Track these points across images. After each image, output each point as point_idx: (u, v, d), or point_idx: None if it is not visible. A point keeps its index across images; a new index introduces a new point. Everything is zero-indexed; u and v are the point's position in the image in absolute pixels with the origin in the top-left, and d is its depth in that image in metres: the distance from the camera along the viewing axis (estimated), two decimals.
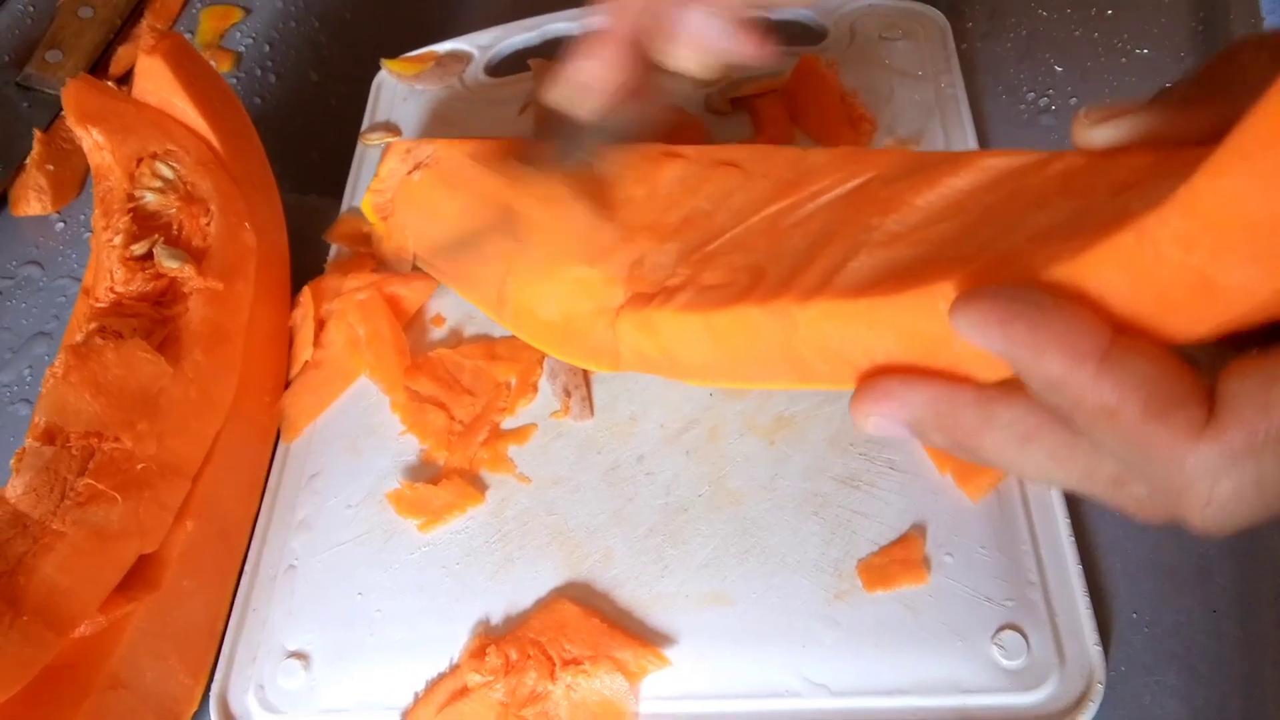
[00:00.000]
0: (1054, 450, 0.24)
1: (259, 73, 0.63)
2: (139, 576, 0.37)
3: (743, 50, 0.36)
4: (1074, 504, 0.37)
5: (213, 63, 0.63)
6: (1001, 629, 0.34)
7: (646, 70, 0.37)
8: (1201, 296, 0.21)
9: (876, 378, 0.27)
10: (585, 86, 0.37)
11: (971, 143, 0.47)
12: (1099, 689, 0.33)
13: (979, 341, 0.23)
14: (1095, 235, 0.22)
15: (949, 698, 0.33)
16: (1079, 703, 0.33)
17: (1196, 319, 0.21)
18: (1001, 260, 0.25)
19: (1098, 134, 0.26)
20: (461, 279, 0.42)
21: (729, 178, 0.37)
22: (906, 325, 0.27)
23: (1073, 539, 0.36)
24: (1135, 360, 0.21)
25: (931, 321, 0.26)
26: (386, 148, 0.45)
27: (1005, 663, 0.34)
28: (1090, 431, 0.23)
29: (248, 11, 0.65)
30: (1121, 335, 0.22)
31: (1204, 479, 0.21)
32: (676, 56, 0.37)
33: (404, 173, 0.44)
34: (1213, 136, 0.21)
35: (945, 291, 0.25)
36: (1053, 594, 0.35)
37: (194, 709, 0.38)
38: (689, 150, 0.39)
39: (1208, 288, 0.21)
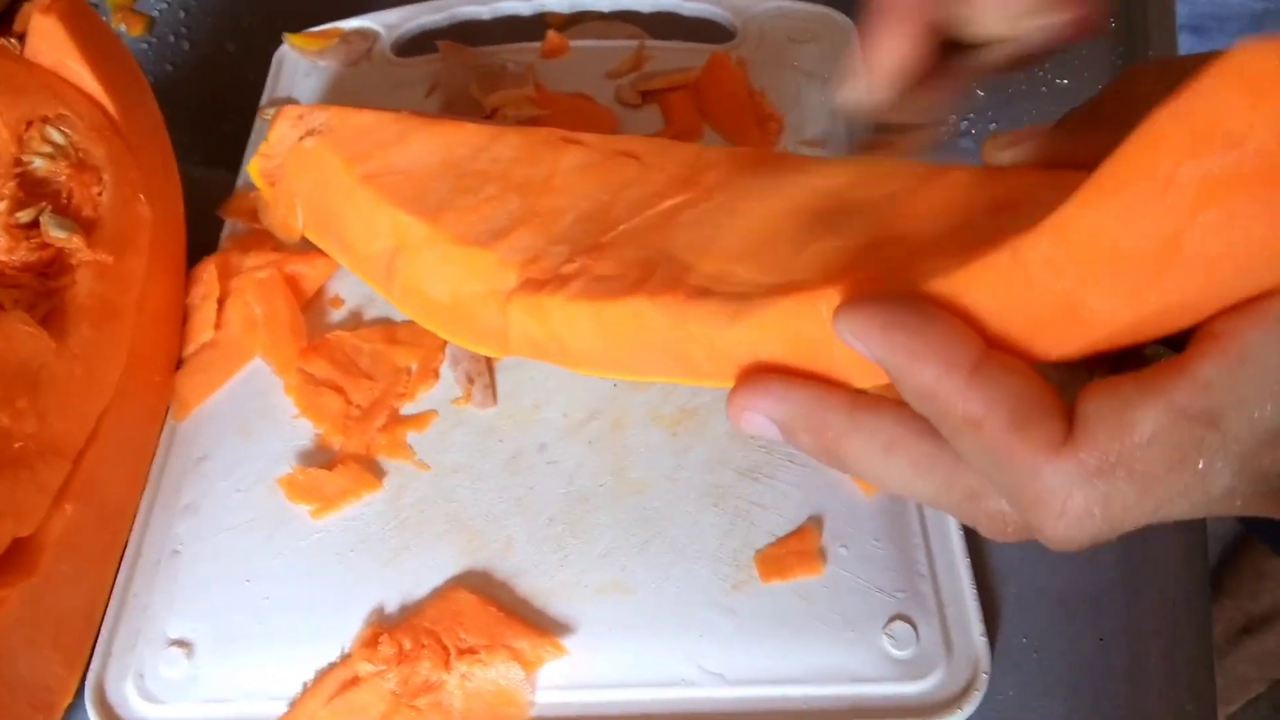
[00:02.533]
0: (916, 460, 0.25)
1: (172, 39, 0.60)
2: (13, 561, 0.35)
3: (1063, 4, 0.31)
4: (970, 532, 0.37)
5: (123, 26, 0.60)
6: (892, 619, 0.35)
7: (942, 46, 0.32)
8: (1066, 319, 0.22)
9: (756, 375, 0.28)
10: (876, 72, 0.32)
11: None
12: (984, 679, 0.34)
13: (859, 347, 0.24)
14: (973, 252, 0.23)
15: (841, 686, 0.34)
16: (965, 692, 0.34)
17: (1061, 340, 0.23)
18: (884, 270, 0.26)
19: (1003, 156, 0.27)
20: (350, 252, 0.41)
21: (627, 169, 0.37)
22: (791, 328, 0.27)
23: (961, 534, 0.37)
24: (1003, 374, 0.22)
25: (814, 325, 0.27)
26: (277, 112, 0.43)
27: (895, 652, 0.35)
28: (956, 440, 0.23)
29: None
30: (992, 350, 0.23)
31: (1058, 492, 0.22)
32: (981, 20, 0.31)
33: (295, 139, 0.42)
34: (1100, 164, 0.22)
35: (829, 297, 0.26)
36: (942, 586, 0.36)
37: (69, 700, 0.36)
38: (589, 138, 0.38)
39: (1072, 311, 0.22)
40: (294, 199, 0.43)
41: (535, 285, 0.34)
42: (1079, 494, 0.21)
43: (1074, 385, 0.23)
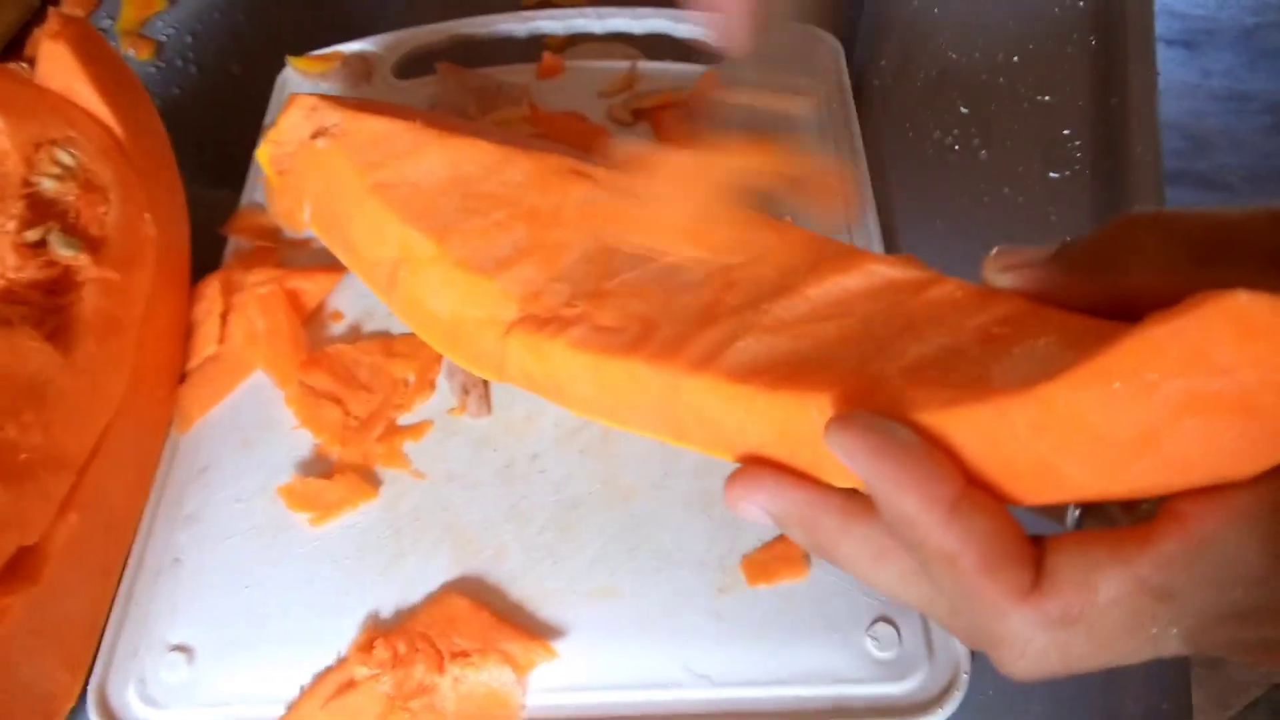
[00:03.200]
0: (902, 573, 0.26)
1: (180, 63, 0.62)
2: (18, 569, 0.36)
3: None
4: None
5: (132, 51, 0.62)
6: (875, 622, 0.36)
7: None
8: (1043, 477, 0.24)
9: (753, 468, 0.29)
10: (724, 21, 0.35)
11: (860, 160, 0.49)
12: (964, 679, 0.35)
13: (846, 463, 0.25)
14: (962, 391, 0.25)
15: (825, 687, 0.35)
16: (945, 692, 0.35)
17: (1035, 492, 0.24)
18: (874, 385, 0.27)
19: (1001, 279, 0.29)
20: (354, 255, 0.42)
21: (635, 212, 0.38)
22: (779, 420, 0.28)
23: None
24: (979, 516, 0.24)
25: (802, 423, 0.28)
26: (290, 98, 0.44)
27: (878, 654, 0.35)
28: (929, 569, 0.25)
29: (172, 0, 0.64)
30: (971, 488, 0.24)
31: (1020, 636, 0.23)
32: None
33: (306, 132, 0.43)
34: (1091, 305, 0.25)
35: (821, 404, 0.27)
36: None
37: (71, 705, 0.37)
38: (599, 173, 0.39)
39: (1049, 472, 0.23)
40: (301, 192, 0.44)
41: (536, 324, 0.35)
42: (1040, 639, 0.23)
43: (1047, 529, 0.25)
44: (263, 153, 0.44)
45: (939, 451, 0.25)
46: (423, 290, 0.38)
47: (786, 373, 0.29)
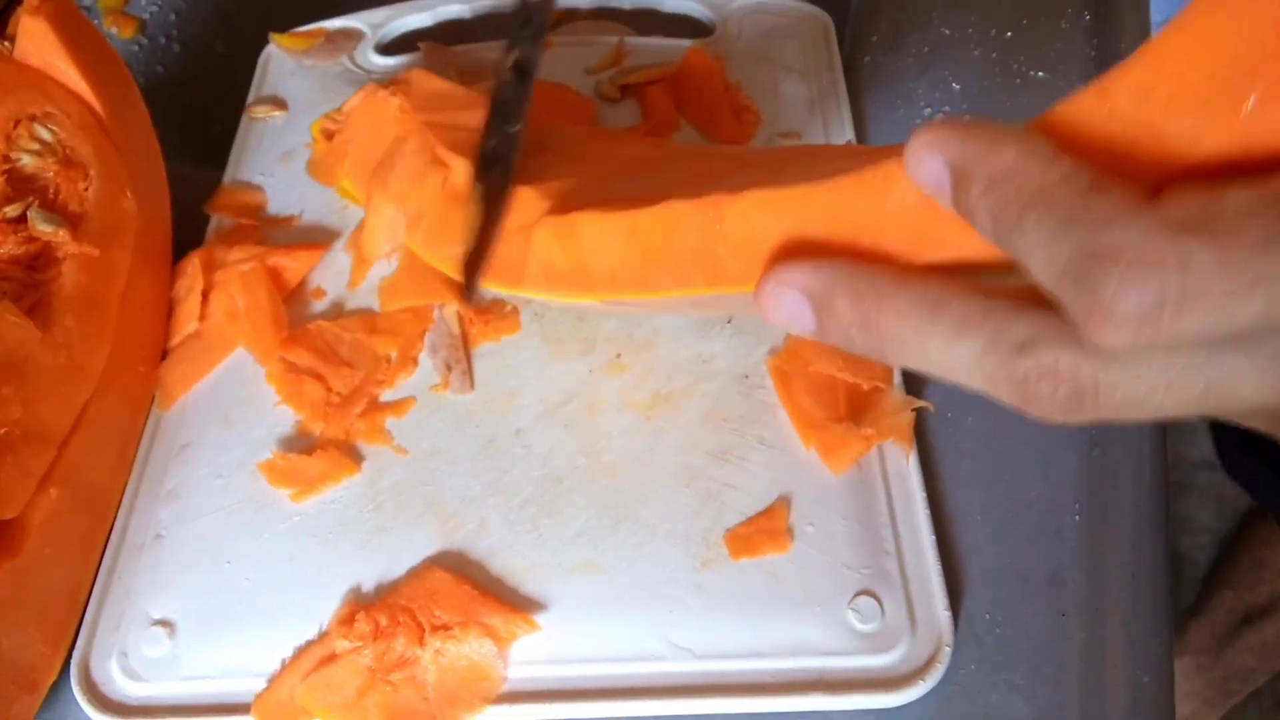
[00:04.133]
0: (966, 313, 0.23)
1: (163, 41, 0.61)
2: None
3: None
4: (937, 510, 0.38)
5: (114, 29, 0.61)
6: (858, 595, 0.36)
7: None
8: (1146, 148, 0.21)
9: (786, 255, 0.27)
10: None
11: (850, 134, 0.49)
12: (946, 652, 0.35)
13: (929, 162, 0.23)
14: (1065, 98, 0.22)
15: (807, 659, 0.35)
16: (928, 664, 0.35)
17: (1138, 172, 0.21)
18: None
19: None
20: (388, 188, 0.42)
21: (661, 149, 0.39)
22: (837, 210, 0.26)
23: (928, 511, 0.38)
24: (1083, 160, 0.21)
25: (865, 203, 0.26)
26: (365, 88, 0.46)
27: (860, 626, 0.35)
28: (1022, 222, 0.21)
29: None
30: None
31: (1132, 241, 0.19)
32: None
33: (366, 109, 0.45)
34: None
35: (888, 170, 0.25)
36: (907, 563, 0.37)
37: (53, 678, 0.37)
38: (619, 132, 0.40)
39: (1155, 138, 0.21)
40: (346, 148, 0.45)
41: (567, 209, 0.35)
42: (1154, 242, 0.19)
43: None
44: (315, 125, 0.46)
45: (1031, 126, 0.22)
46: (451, 218, 0.39)
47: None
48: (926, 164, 0.23)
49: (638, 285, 0.34)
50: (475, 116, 0.40)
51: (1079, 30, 0.55)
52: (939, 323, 0.23)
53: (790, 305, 0.26)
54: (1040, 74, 0.53)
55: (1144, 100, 0.21)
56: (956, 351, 0.23)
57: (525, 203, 0.36)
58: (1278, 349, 0.20)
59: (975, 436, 0.41)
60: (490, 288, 0.38)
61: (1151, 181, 0.21)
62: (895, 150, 0.26)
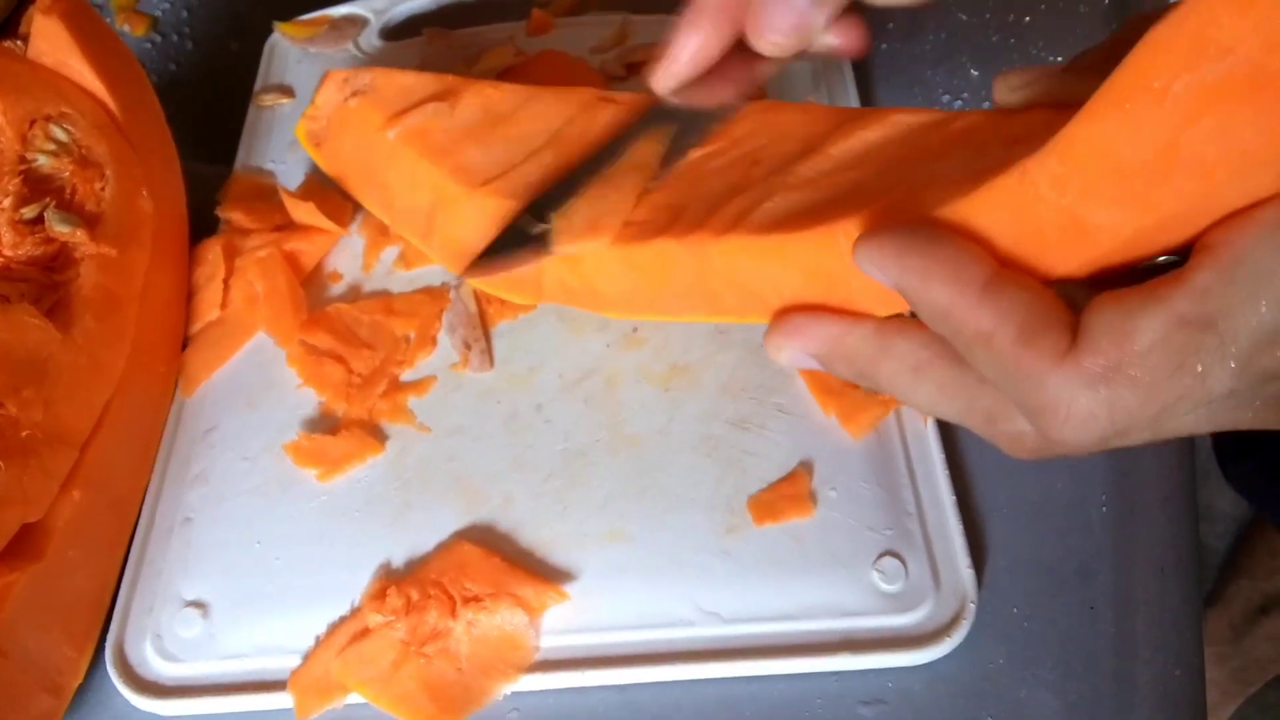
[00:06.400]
0: (942, 382, 0.27)
1: (176, 38, 0.62)
2: (22, 546, 0.36)
3: (832, 37, 0.31)
4: (965, 505, 0.38)
5: (126, 26, 0.61)
6: (881, 556, 0.36)
7: (739, 49, 0.32)
8: (1073, 235, 0.23)
9: (787, 315, 0.30)
10: (677, 60, 0.33)
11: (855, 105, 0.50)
12: (971, 609, 0.35)
13: (876, 274, 0.25)
14: (982, 177, 0.24)
15: (833, 621, 0.35)
16: (953, 622, 0.35)
17: (1068, 256, 0.24)
18: (901, 203, 0.27)
19: (1014, 96, 0.29)
20: (391, 207, 0.42)
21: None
22: (811, 261, 0.29)
23: (947, 473, 0.38)
24: (1012, 290, 0.24)
25: (834, 258, 0.28)
26: (325, 75, 0.45)
27: (885, 587, 0.36)
28: (969, 355, 0.25)
29: None
30: (1002, 268, 0.24)
31: (1063, 398, 0.23)
32: (762, 38, 0.32)
33: (340, 100, 0.44)
34: None
35: (848, 229, 0.27)
36: (929, 523, 0.37)
37: (78, 680, 0.37)
38: (623, 97, 0.39)
39: (1078, 226, 0.23)
40: (339, 156, 0.44)
41: None
42: (1083, 398, 0.23)
43: (1082, 300, 0.24)
44: (300, 129, 0.45)
45: (964, 239, 0.24)
46: (459, 228, 0.39)
47: (813, 216, 0.29)
48: (875, 275, 0.26)
49: (648, 309, 0.35)
50: (448, 108, 0.41)
51: (1097, 14, 0.55)
52: (920, 386, 0.27)
53: (797, 359, 0.30)
54: (1059, 58, 0.53)
55: (1061, 191, 0.23)
56: (940, 409, 0.27)
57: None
58: (1223, 404, 0.23)
59: None
60: (515, 299, 0.38)
61: (1077, 268, 0.24)
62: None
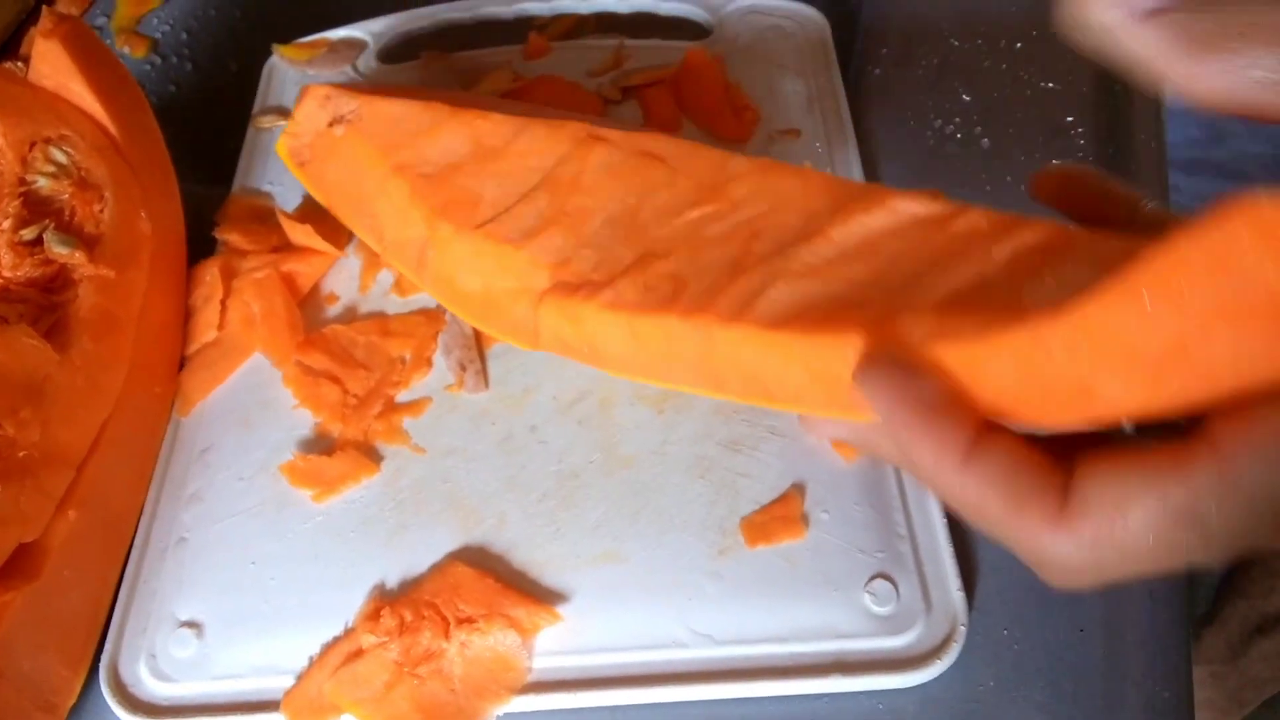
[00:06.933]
0: (951, 491, 0.26)
1: (175, 60, 0.62)
2: (18, 566, 0.36)
3: None
4: (955, 527, 0.38)
5: (126, 48, 0.62)
6: (873, 578, 0.36)
7: None
8: (1078, 397, 0.24)
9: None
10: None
11: (849, 134, 0.50)
12: (962, 631, 0.35)
13: (873, 409, 0.26)
14: (994, 320, 0.25)
15: (825, 643, 0.35)
16: (944, 644, 0.35)
17: (1069, 414, 0.25)
18: (907, 323, 0.27)
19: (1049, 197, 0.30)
20: (382, 238, 0.42)
21: (653, 171, 0.38)
22: (815, 363, 0.29)
23: None
24: (994, 457, 0.25)
25: (837, 364, 0.28)
26: (303, 90, 0.44)
27: (876, 609, 0.36)
28: (961, 513, 0.26)
29: None
30: (986, 430, 0.25)
31: (1056, 557, 0.24)
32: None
33: (323, 122, 0.43)
34: (1120, 223, 0.26)
35: (853, 342, 0.28)
36: (920, 546, 0.37)
37: (72, 700, 0.37)
38: (614, 135, 0.39)
39: (1084, 392, 0.24)
40: (324, 181, 0.44)
41: (567, 290, 0.35)
42: (1076, 558, 0.24)
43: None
44: (281, 146, 0.44)
45: (953, 402, 0.25)
46: (453, 266, 0.39)
47: (819, 317, 0.29)
48: (869, 402, 0.27)
49: (648, 374, 0.34)
50: (437, 142, 0.41)
51: None
52: (939, 489, 0.27)
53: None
54: (1050, 85, 0.54)
55: (1073, 358, 0.23)
56: (960, 506, 0.27)
57: (523, 268, 0.36)
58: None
59: None
60: (513, 343, 0.38)
61: (1076, 425, 0.25)
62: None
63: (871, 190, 0.33)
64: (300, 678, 0.36)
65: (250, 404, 0.43)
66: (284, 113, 0.54)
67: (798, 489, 0.39)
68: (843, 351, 0.28)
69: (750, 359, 0.31)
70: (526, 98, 0.51)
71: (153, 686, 0.37)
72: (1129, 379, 0.23)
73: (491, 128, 0.41)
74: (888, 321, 0.28)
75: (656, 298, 0.33)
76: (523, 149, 0.40)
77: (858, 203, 0.32)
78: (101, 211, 0.43)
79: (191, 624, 0.38)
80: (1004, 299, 0.26)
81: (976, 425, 0.25)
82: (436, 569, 0.38)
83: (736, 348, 0.31)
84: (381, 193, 0.41)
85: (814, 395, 0.29)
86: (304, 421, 0.42)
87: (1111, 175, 0.29)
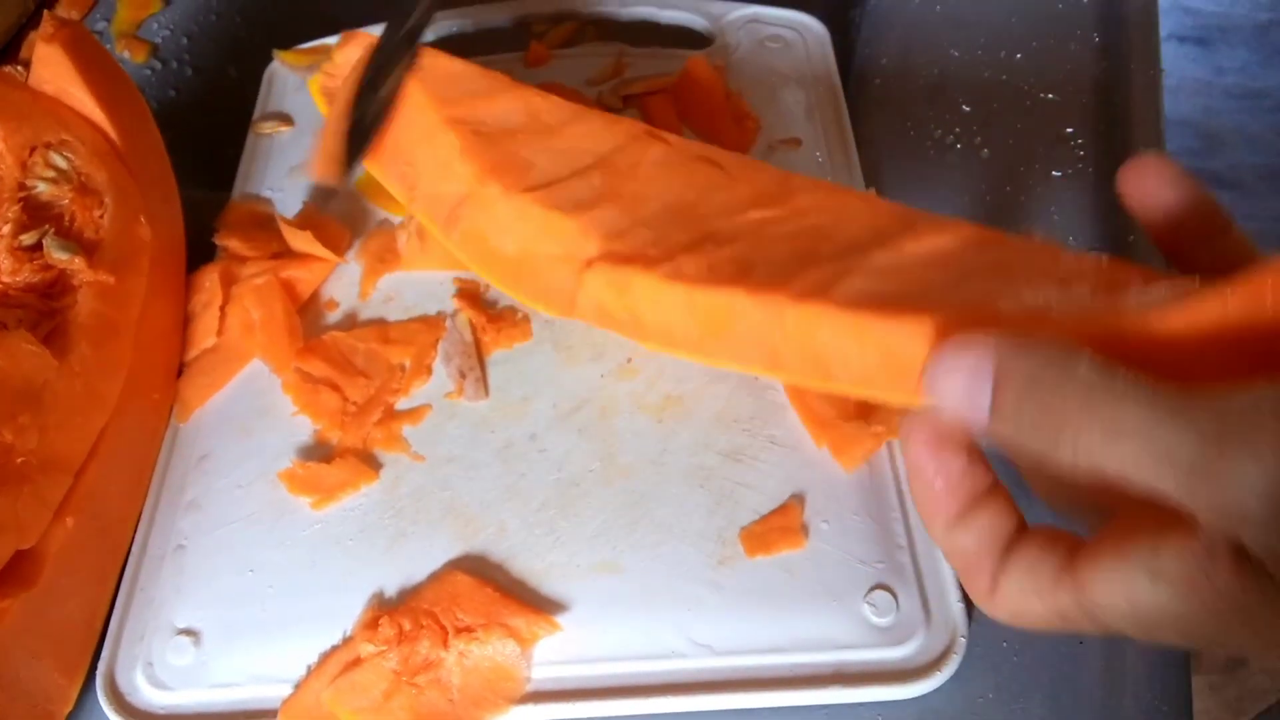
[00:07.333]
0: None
1: (175, 65, 0.62)
2: (14, 573, 0.36)
3: None
4: None
5: (126, 53, 0.62)
6: (873, 589, 0.36)
7: None
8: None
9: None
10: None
11: (849, 143, 0.50)
12: (961, 643, 0.35)
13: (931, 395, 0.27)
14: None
15: (824, 654, 0.35)
16: (944, 655, 0.35)
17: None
18: (988, 319, 0.27)
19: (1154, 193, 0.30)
20: (413, 188, 0.41)
21: (711, 174, 0.38)
22: (894, 346, 0.28)
23: None
24: (963, 534, 0.27)
25: (915, 349, 0.28)
26: (344, 35, 0.43)
27: (876, 620, 0.36)
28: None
29: (167, 2, 0.64)
30: (968, 507, 0.27)
31: (991, 613, 0.27)
32: None
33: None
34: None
35: (936, 329, 0.27)
36: (920, 557, 0.37)
37: (69, 708, 0.37)
38: (672, 138, 0.39)
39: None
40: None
41: (620, 258, 0.35)
42: (1002, 617, 0.27)
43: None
44: (314, 85, 0.43)
45: (961, 452, 0.27)
46: (489, 225, 0.38)
47: (899, 304, 0.29)
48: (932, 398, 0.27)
49: (693, 350, 0.34)
50: (494, 106, 0.40)
51: (1088, 51, 0.55)
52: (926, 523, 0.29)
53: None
54: (1050, 96, 0.54)
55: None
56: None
57: (572, 235, 0.36)
58: None
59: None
60: (539, 309, 0.38)
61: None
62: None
63: (942, 218, 0.33)
64: (298, 686, 0.36)
65: (249, 411, 0.43)
66: (284, 118, 0.54)
67: (797, 499, 0.38)
68: (916, 338, 0.28)
69: (821, 338, 0.30)
70: None
71: (150, 695, 0.37)
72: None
73: (549, 107, 0.40)
74: (970, 317, 0.27)
75: (720, 275, 0.33)
76: (579, 132, 0.39)
77: (929, 225, 0.32)
78: (101, 217, 0.43)
79: (189, 632, 0.38)
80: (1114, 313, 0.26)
81: (964, 500, 0.27)
82: (435, 577, 0.38)
83: (808, 326, 0.30)
84: (427, 141, 0.40)
85: (882, 378, 0.29)
86: (303, 429, 0.42)
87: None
